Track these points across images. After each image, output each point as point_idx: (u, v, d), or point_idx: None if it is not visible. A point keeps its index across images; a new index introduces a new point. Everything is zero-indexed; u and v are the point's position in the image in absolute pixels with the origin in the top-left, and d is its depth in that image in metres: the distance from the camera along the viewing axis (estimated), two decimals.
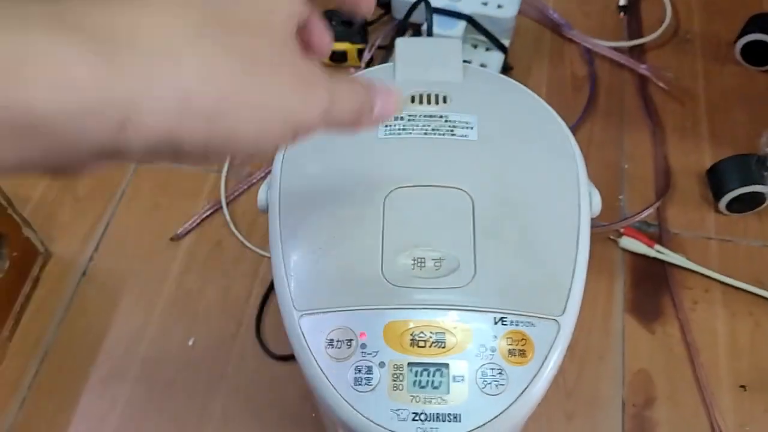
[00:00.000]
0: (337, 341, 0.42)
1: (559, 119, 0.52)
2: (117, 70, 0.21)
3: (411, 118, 0.50)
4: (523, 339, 0.42)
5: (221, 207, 0.80)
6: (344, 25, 0.92)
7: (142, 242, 0.78)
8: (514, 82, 0.55)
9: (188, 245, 0.78)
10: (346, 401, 0.41)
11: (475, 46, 0.90)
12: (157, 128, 0.22)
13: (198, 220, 0.79)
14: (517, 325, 0.43)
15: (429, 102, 0.51)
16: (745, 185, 0.76)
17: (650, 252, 0.76)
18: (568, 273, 0.45)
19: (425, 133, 0.49)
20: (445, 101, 0.51)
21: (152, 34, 0.22)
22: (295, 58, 0.27)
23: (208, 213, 0.80)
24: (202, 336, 0.72)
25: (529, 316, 0.43)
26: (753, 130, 0.86)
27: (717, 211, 0.80)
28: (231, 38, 0.24)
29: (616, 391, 0.68)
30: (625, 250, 0.77)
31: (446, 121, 0.50)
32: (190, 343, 0.71)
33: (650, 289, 0.75)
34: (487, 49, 0.90)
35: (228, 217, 0.79)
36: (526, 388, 0.41)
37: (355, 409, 0.41)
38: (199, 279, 0.76)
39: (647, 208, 0.79)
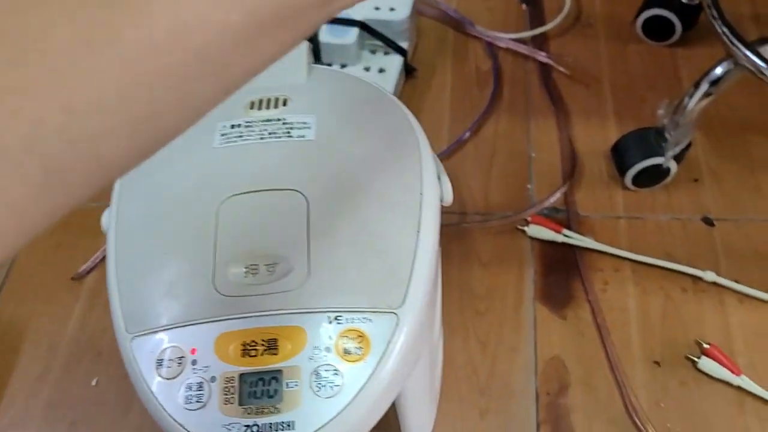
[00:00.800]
0: (168, 360, 0.41)
1: (405, 110, 0.51)
2: None
3: (248, 124, 0.49)
4: (359, 336, 0.41)
5: None
6: None
7: (44, 284, 0.77)
8: (362, 78, 0.54)
9: (91, 283, 0.77)
10: (176, 421, 0.39)
11: (374, 52, 0.89)
12: None
13: (99, 257, 0.78)
14: (352, 322, 0.41)
15: (268, 106, 0.50)
16: (647, 158, 0.75)
17: (558, 237, 0.74)
18: (407, 264, 0.43)
19: (262, 138, 0.48)
20: (284, 104, 0.50)
21: None
22: None
23: None
24: (106, 374, 0.70)
25: (365, 311, 0.41)
26: (657, 105, 0.85)
27: (624, 188, 0.79)
28: None
29: (530, 382, 0.66)
30: (533, 239, 0.76)
31: (284, 123, 0.49)
32: (94, 382, 0.69)
33: (561, 275, 0.73)
34: (386, 54, 0.89)
35: None
36: (363, 386, 0.40)
37: (185, 429, 0.39)
38: (103, 317, 0.74)
39: (553, 193, 0.78)
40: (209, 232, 0.44)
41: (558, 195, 0.78)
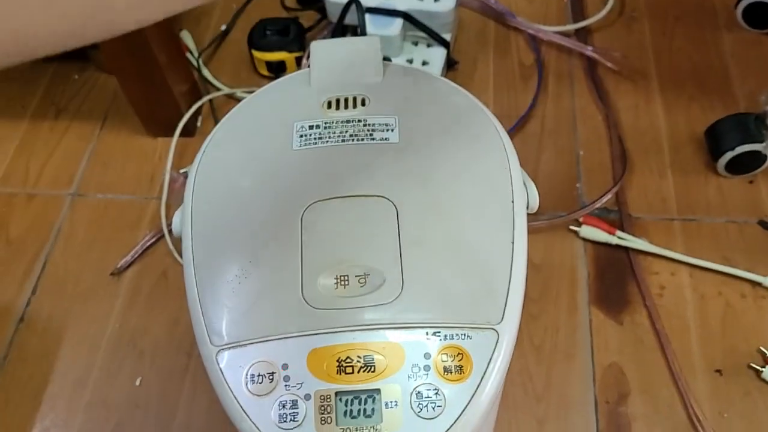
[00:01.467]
0: (258, 375, 0.39)
1: (488, 112, 0.49)
2: None
3: (327, 125, 0.47)
4: (459, 353, 0.39)
5: (163, 235, 0.76)
6: (280, 35, 0.88)
7: (81, 281, 0.74)
8: (437, 76, 0.52)
9: (130, 279, 0.74)
10: None
11: (416, 44, 0.87)
12: None
13: (139, 252, 0.75)
14: (452, 338, 0.39)
15: (346, 106, 0.48)
16: (744, 144, 0.73)
17: (612, 239, 0.73)
18: (504, 277, 0.41)
19: (343, 140, 0.46)
20: (363, 104, 0.48)
21: None
22: None
23: (150, 243, 0.76)
24: (149, 374, 0.68)
25: (464, 327, 0.39)
26: (707, 101, 0.83)
27: (715, 173, 0.77)
28: None
29: (588, 390, 0.65)
30: (586, 240, 0.74)
31: (365, 125, 0.47)
32: (138, 382, 0.67)
33: (615, 278, 0.72)
34: (429, 46, 0.87)
35: (171, 246, 0.75)
36: (466, 407, 0.38)
37: None
38: (144, 314, 0.72)
39: (605, 193, 0.76)
40: (294, 241, 0.42)
41: (610, 195, 0.76)
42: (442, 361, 0.39)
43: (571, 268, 0.72)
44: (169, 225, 0.77)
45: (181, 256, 0.74)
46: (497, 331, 0.40)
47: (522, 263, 0.42)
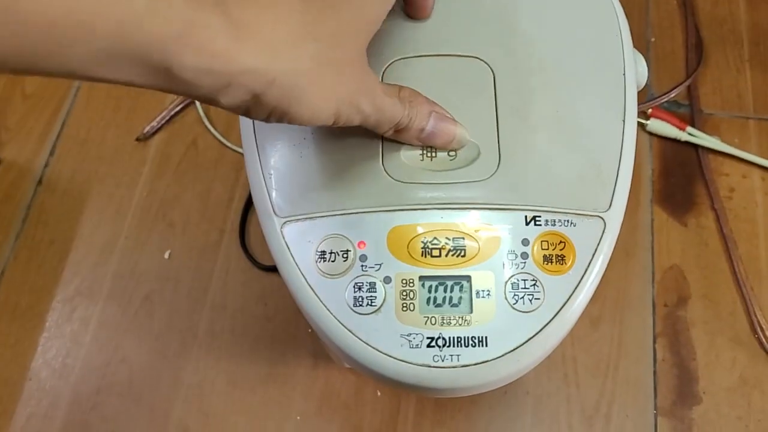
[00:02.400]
0: (330, 253, 0.34)
1: None
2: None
3: None
4: (561, 242, 0.34)
5: (193, 101, 0.70)
6: None
7: (104, 143, 0.69)
8: None
9: (158, 145, 0.69)
10: (343, 326, 0.33)
11: None
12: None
13: (167, 117, 0.70)
14: (553, 224, 0.34)
15: None
16: None
17: (681, 135, 0.67)
18: (613, 158, 0.36)
19: None
20: None
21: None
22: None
23: (179, 108, 0.70)
24: (180, 247, 0.64)
25: (568, 213, 0.35)
26: None
27: (756, 84, 0.70)
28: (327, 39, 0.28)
29: (646, 291, 0.61)
30: (652, 134, 0.68)
31: None
32: (167, 255, 0.63)
33: (682, 177, 0.66)
34: None
35: (202, 113, 0.69)
36: (566, 302, 0.34)
37: (355, 336, 0.33)
38: (174, 183, 0.67)
39: (677, 86, 0.70)
40: None
41: (682, 88, 0.70)
42: (542, 249, 0.34)
43: (636, 163, 0.66)
44: None
45: (212, 125, 0.69)
46: (604, 220, 0.35)
47: (632, 144, 0.37)
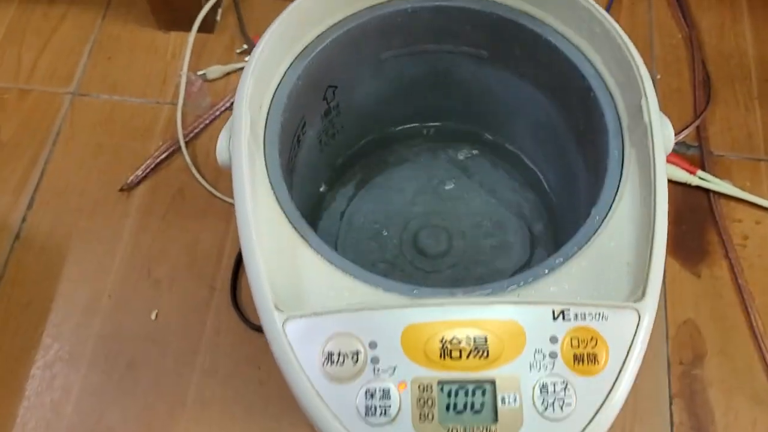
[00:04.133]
0: (339, 354, 0.31)
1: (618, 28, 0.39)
2: None
3: None
4: (593, 338, 0.31)
5: (179, 147, 0.66)
6: None
7: (85, 194, 0.65)
8: None
9: (143, 196, 0.65)
10: None
11: None
12: None
13: (152, 165, 0.66)
14: (583, 318, 0.31)
15: None
16: None
17: (692, 180, 0.64)
18: (644, 239, 0.33)
19: None
20: None
21: None
22: None
23: (165, 155, 0.66)
24: (167, 306, 0.60)
25: (599, 305, 0.31)
26: None
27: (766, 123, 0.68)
28: None
29: (660, 348, 0.58)
30: None
31: None
32: (153, 316, 0.60)
33: (693, 223, 0.64)
34: None
35: (188, 160, 0.66)
36: (600, 407, 0.30)
37: None
38: (159, 237, 0.63)
39: (686, 127, 0.67)
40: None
41: (691, 128, 0.67)
42: (572, 346, 0.31)
43: None
44: (186, 135, 0.67)
45: (199, 173, 0.65)
46: (638, 311, 0.32)
47: (663, 223, 0.34)
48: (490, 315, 0.31)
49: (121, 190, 0.65)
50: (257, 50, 0.38)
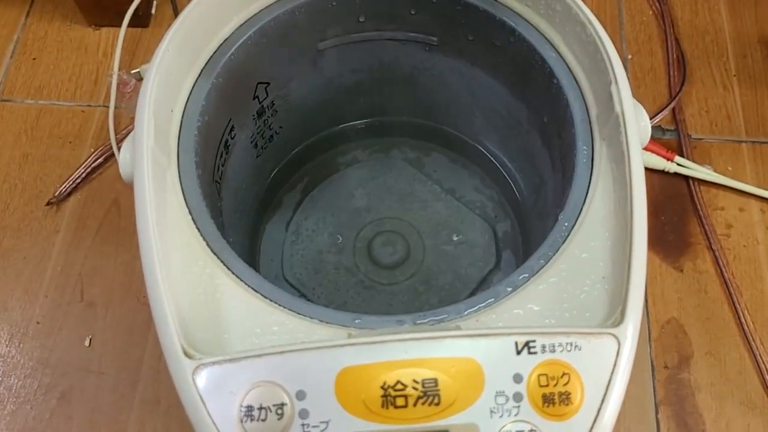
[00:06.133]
0: (260, 409, 0.26)
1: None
2: None
3: None
4: (565, 373, 0.26)
5: (113, 153, 0.60)
6: None
7: (9, 210, 0.59)
8: None
9: (73, 209, 0.59)
10: None
11: None
12: None
13: (83, 174, 0.60)
14: (552, 350, 0.26)
15: None
16: None
17: (670, 167, 0.59)
18: (622, 252, 0.28)
19: None
20: None
21: None
22: None
23: (97, 163, 0.61)
24: (102, 331, 0.54)
25: (570, 333, 0.26)
26: None
27: (745, 103, 0.63)
28: None
29: (643, 351, 0.54)
30: None
31: None
32: (87, 342, 0.54)
33: (673, 213, 0.59)
34: None
35: None
36: None
37: None
38: (93, 254, 0.57)
39: (661, 110, 0.62)
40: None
41: (666, 111, 0.63)
42: (541, 385, 0.26)
43: None
44: (119, 140, 0.61)
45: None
46: (617, 337, 0.27)
47: (643, 230, 0.29)
48: (440, 352, 0.26)
49: (49, 203, 0.59)
50: (162, 46, 0.32)
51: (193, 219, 0.31)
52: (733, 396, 0.52)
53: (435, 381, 0.25)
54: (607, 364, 0.26)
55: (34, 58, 0.66)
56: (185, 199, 0.32)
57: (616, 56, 0.33)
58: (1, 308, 0.55)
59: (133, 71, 0.64)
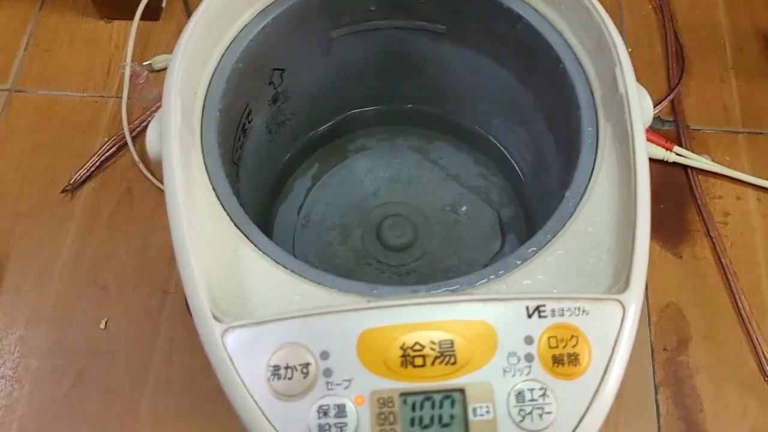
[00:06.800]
0: (286, 368, 0.27)
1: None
2: None
3: None
4: (573, 336, 0.27)
5: (126, 143, 0.62)
6: None
7: (24, 196, 0.60)
8: None
9: (87, 196, 0.60)
10: None
11: None
12: None
13: (96, 163, 0.61)
14: (561, 314, 0.28)
15: None
16: None
17: (669, 156, 0.61)
18: (625, 225, 0.30)
19: None
20: None
21: None
22: None
23: (110, 152, 0.62)
24: (116, 314, 0.56)
25: (578, 299, 0.28)
26: None
27: (742, 94, 0.65)
28: None
29: (643, 334, 0.55)
30: None
31: None
32: (102, 325, 0.55)
33: (672, 201, 0.61)
34: None
35: (136, 156, 0.61)
36: (584, 414, 0.27)
37: None
38: (106, 240, 0.59)
39: (661, 101, 0.64)
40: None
41: (665, 103, 0.64)
42: (550, 347, 0.27)
43: None
44: (132, 130, 0.62)
45: (148, 171, 0.61)
46: (622, 303, 0.28)
47: (646, 204, 0.31)
48: (455, 315, 0.27)
49: (64, 191, 0.60)
50: (187, 30, 0.34)
51: (216, 194, 0.33)
52: (730, 378, 0.54)
53: (451, 342, 0.27)
54: (613, 328, 0.28)
55: (46, 50, 0.68)
56: (209, 176, 0.33)
57: (620, 40, 0.34)
58: (17, 292, 0.56)
59: (144, 63, 0.66)
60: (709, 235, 0.58)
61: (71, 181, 0.60)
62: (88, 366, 0.54)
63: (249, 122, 0.41)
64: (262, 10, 0.38)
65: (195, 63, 0.35)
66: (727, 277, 0.57)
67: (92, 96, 0.65)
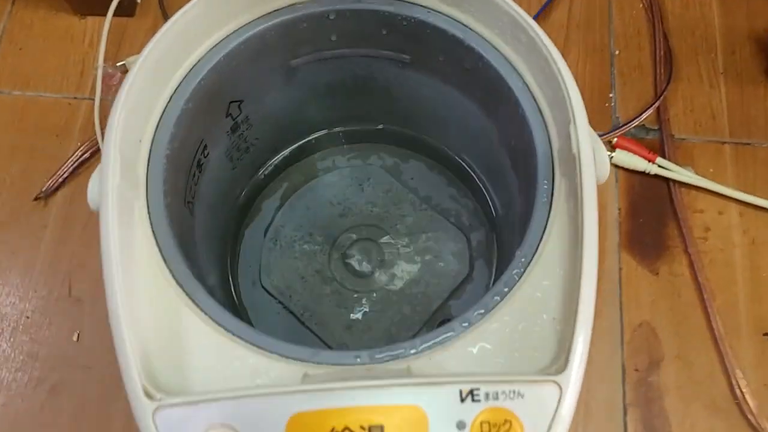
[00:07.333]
0: None
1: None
2: None
3: None
4: (507, 420, 0.27)
5: (100, 148, 0.61)
6: None
7: None
8: None
9: (61, 204, 0.60)
10: None
11: None
12: None
13: (71, 169, 0.61)
14: (496, 398, 0.27)
15: None
16: None
17: (651, 168, 0.60)
18: (573, 295, 0.29)
19: None
20: None
21: None
22: None
23: (84, 157, 0.61)
24: (89, 326, 0.56)
25: (513, 381, 0.28)
26: None
27: (730, 102, 0.63)
28: None
29: (614, 354, 0.55)
30: (618, 167, 0.61)
31: None
32: (75, 337, 0.55)
33: (651, 216, 0.60)
34: None
35: None
36: None
37: None
38: (80, 249, 0.58)
39: (645, 109, 0.62)
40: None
41: (650, 110, 0.63)
42: None
43: (599, 202, 0.60)
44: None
45: None
46: (559, 385, 0.28)
47: (592, 279, 0.30)
48: (387, 400, 0.27)
49: (37, 198, 0.60)
50: (128, 81, 0.33)
51: (161, 254, 0.32)
52: (700, 399, 0.53)
53: (381, 428, 0.27)
54: (548, 412, 0.27)
55: (20, 48, 0.67)
56: (153, 231, 0.33)
57: (576, 94, 0.33)
58: None
59: (118, 64, 0.65)
60: (688, 252, 0.58)
61: (44, 189, 0.60)
62: (62, 379, 0.54)
63: (205, 157, 0.40)
64: (212, 47, 0.37)
65: (138, 112, 0.34)
66: (702, 296, 0.56)
67: (66, 97, 0.64)
